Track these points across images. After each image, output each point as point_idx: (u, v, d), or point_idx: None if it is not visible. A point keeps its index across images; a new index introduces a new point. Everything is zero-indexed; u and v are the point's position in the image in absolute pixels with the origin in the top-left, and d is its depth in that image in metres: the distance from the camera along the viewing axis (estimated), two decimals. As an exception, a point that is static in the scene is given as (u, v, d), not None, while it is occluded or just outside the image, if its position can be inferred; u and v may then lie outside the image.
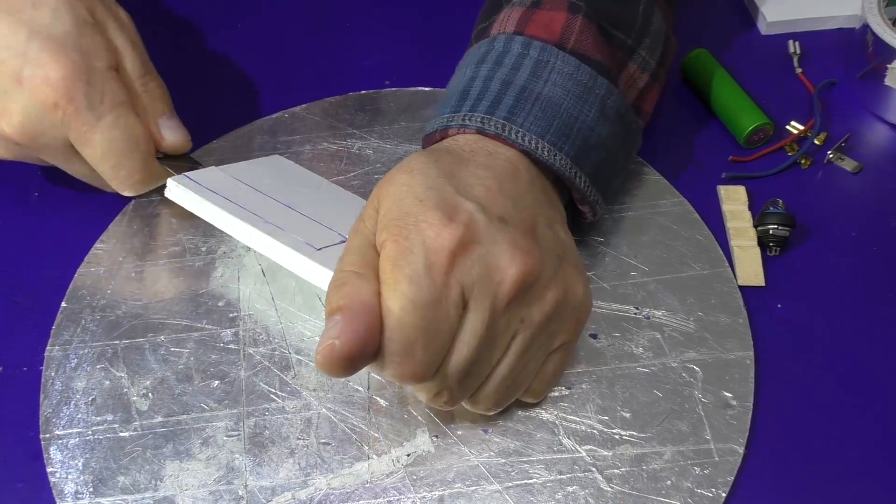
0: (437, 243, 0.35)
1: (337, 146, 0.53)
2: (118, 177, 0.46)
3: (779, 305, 0.46)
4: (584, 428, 0.41)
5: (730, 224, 0.49)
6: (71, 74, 0.43)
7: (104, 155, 0.45)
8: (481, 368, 0.37)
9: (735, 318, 0.45)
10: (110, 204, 0.50)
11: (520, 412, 0.42)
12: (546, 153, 0.40)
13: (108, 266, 0.47)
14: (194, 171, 0.47)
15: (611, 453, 0.40)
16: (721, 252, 0.47)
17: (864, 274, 0.47)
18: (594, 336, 0.44)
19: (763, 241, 0.48)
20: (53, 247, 0.49)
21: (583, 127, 0.42)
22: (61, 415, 0.42)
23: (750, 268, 0.47)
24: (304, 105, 0.55)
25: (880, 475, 0.40)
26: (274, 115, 0.55)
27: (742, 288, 0.46)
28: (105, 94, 0.44)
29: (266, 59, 0.58)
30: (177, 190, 0.45)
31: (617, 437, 0.41)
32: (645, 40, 0.46)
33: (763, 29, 0.59)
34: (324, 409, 0.42)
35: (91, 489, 0.40)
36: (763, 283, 0.47)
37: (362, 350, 0.34)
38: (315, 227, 0.45)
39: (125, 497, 0.39)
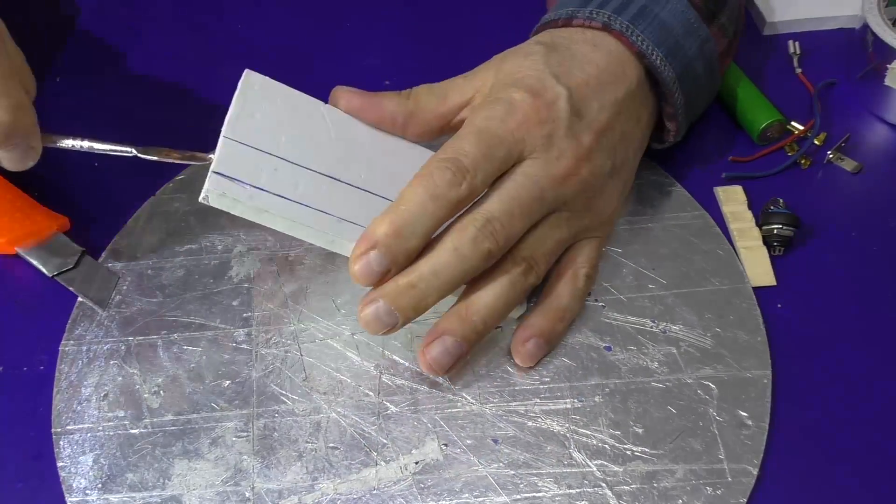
0: (518, 105, 0.41)
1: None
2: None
3: (778, 305, 0.46)
4: (595, 442, 0.41)
5: (733, 225, 0.48)
6: None
7: None
8: (524, 213, 0.40)
9: (753, 336, 0.44)
10: (115, 208, 0.49)
11: (529, 423, 0.41)
12: (659, 62, 0.44)
13: (124, 263, 0.47)
14: (228, 159, 0.41)
15: (622, 469, 0.40)
16: (742, 268, 0.47)
17: (864, 274, 0.47)
18: (609, 348, 0.44)
19: (766, 241, 0.47)
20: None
21: (685, 56, 0.45)
22: (73, 410, 0.42)
23: (759, 268, 0.47)
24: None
25: (897, 502, 0.40)
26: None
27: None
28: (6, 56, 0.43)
29: (277, 58, 0.58)
30: (218, 199, 0.40)
31: (628, 452, 0.40)
32: (725, 9, 0.48)
33: (763, 29, 0.59)
34: (333, 413, 0.42)
35: (100, 485, 0.40)
36: (774, 283, 0.46)
37: None
38: (370, 202, 0.43)
39: (133, 494, 0.40)
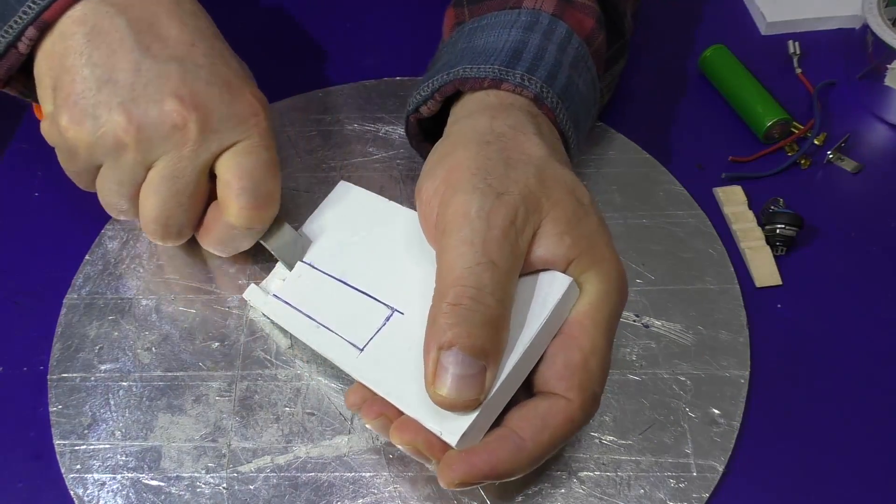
0: None
1: (365, 128, 0.54)
2: (265, 187, 0.43)
3: (778, 306, 0.46)
4: (564, 428, 0.41)
5: (735, 226, 0.48)
6: (263, 98, 0.44)
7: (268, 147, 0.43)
8: None
9: (736, 337, 0.44)
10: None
11: (503, 405, 0.42)
12: (574, 146, 0.43)
13: (130, 228, 0.49)
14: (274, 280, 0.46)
15: (587, 455, 0.40)
16: (732, 269, 0.47)
17: (864, 274, 0.47)
18: (589, 339, 0.44)
19: (769, 241, 0.47)
20: (54, 247, 0.49)
21: (588, 123, 0.47)
22: (69, 359, 0.44)
23: (764, 268, 0.47)
24: (340, 85, 0.56)
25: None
26: (309, 93, 0.56)
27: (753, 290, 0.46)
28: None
29: (277, 57, 0.59)
30: (254, 299, 0.45)
31: (596, 441, 0.41)
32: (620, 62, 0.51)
33: (763, 29, 0.59)
34: (314, 381, 0.43)
35: (86, 432, 0.42)
36: (780, 282, 0.46)
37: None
38: (370, 308, 0.40)
39: (115, 443, 0.41)
